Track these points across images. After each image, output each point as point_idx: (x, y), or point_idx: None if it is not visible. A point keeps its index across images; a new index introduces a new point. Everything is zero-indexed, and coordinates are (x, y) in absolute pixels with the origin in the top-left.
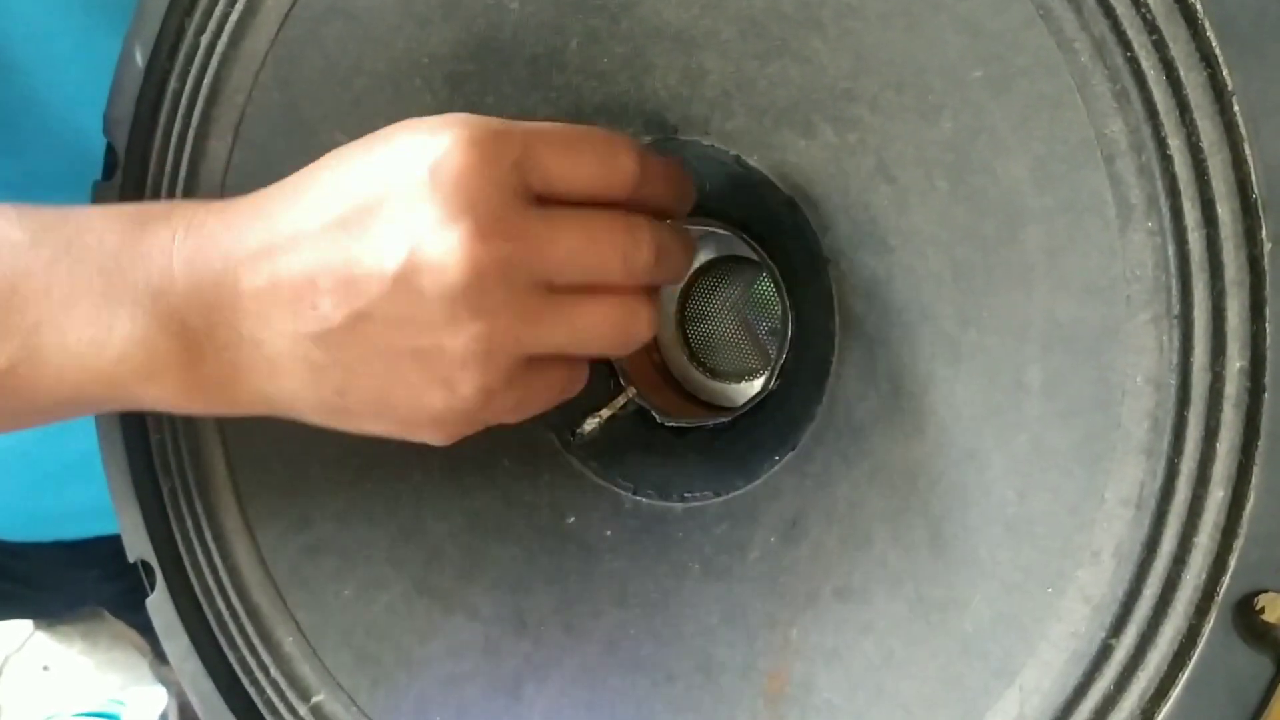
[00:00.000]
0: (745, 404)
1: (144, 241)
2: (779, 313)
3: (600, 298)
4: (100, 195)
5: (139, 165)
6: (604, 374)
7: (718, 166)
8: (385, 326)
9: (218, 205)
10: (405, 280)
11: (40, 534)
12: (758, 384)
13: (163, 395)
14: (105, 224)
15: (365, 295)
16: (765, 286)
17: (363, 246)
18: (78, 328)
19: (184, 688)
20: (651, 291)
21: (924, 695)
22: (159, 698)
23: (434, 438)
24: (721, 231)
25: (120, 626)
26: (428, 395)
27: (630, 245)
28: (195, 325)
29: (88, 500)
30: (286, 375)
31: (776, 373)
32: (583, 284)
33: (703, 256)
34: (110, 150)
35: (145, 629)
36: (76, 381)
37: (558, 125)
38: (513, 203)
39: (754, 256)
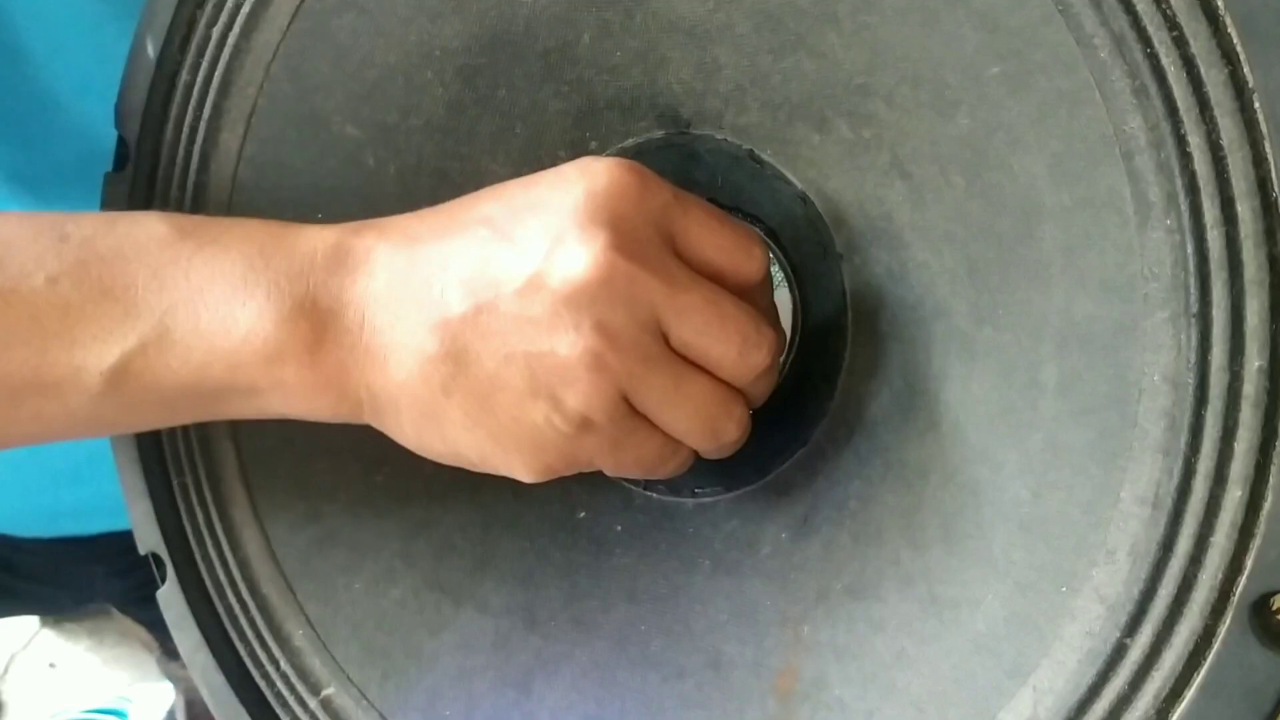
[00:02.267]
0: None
1: (291, 235)
2: (791, 310)
3: (706, 376)
4: (111, 187)
5: (150, 158)
6: None
7: (731, 161)
8: (506, 324)
9: (376, 220)
10: (537, 278)
11: (47, 530)
12: None
13: (279, 381)
14: (254, 224)
15: (494, 288)
16: (777, 283)
17: (503, 244)
18: (211, 308)
19: (195, 680)
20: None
21: (936, 693)
22: (166, 694)
23: (523, 465)
24: None
25: (127, 623)
26: (529, 407)
27: (754, 337)
28: (325, 306)
29: (95, 496)
30: (397, 365)
31: (787, 368)
32: (695, 352)
33: None
34: (121, 142)
35: (152, 625)
36: (201, 363)
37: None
38: (655, 238)
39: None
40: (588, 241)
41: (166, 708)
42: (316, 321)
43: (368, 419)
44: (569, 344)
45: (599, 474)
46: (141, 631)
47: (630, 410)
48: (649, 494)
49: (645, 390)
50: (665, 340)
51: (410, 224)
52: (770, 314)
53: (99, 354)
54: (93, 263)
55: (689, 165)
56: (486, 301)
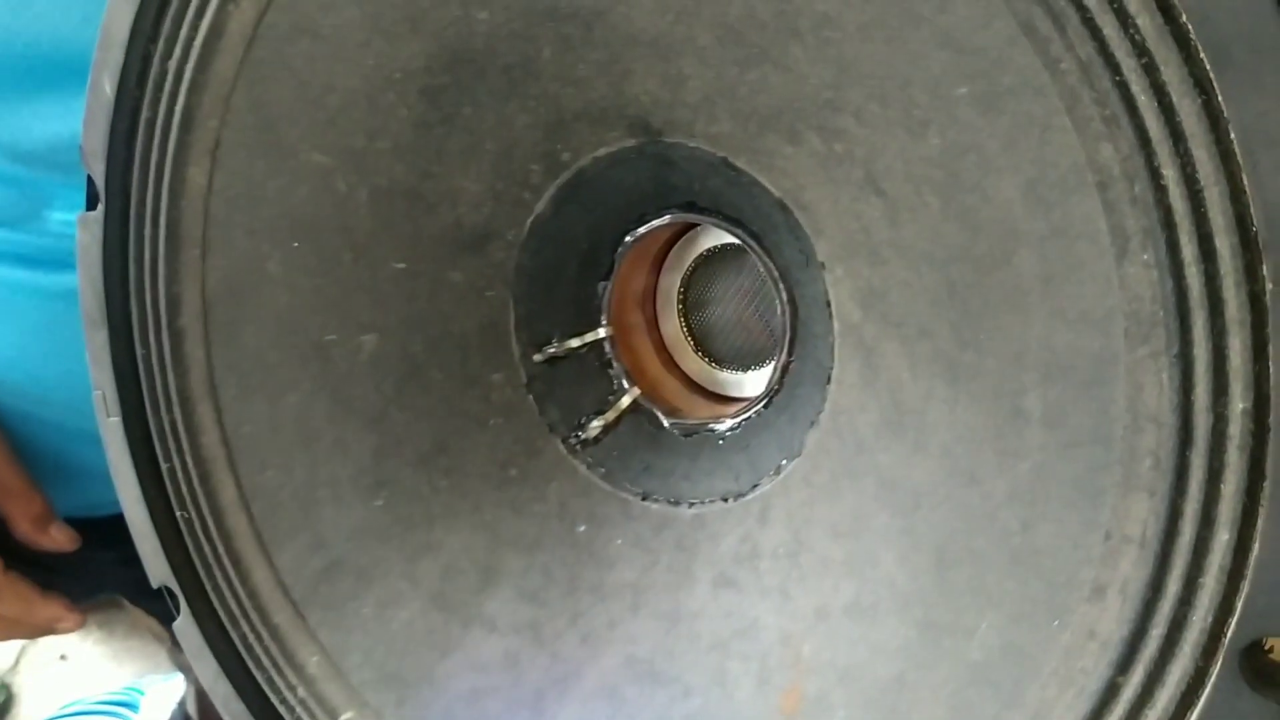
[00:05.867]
0: (748, 406)
1: None
2: (779, 312)
3: None
4: (84, 228)
5: (120, 196)
6: (607, 375)
7: (707, 167)
8: None
9: None
10: None
11: (57, 508)
12: (764, 374)
13: None
14: None
15: None
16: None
17: None
18: None
19: (218, 709)
20: None
21: None
22: (177, 685)
23: None
24: (716, 227)
25: (138, 614)
26: None
27: None
28: None
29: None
30: None
31: (780, 372)
32: None
33: (702, 244)
34: (90, 183)
35: (164, 617)
36: None
37: None
38: None
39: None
40: None
41: (178, 699)
42: None
43: None
44: None
45: (596, 488)
46: (153, 623)
47: None
48: (646, 505)
49: None
50: None
51: None
52: None
53: None
54: None
55: (665, 172)
56: None
